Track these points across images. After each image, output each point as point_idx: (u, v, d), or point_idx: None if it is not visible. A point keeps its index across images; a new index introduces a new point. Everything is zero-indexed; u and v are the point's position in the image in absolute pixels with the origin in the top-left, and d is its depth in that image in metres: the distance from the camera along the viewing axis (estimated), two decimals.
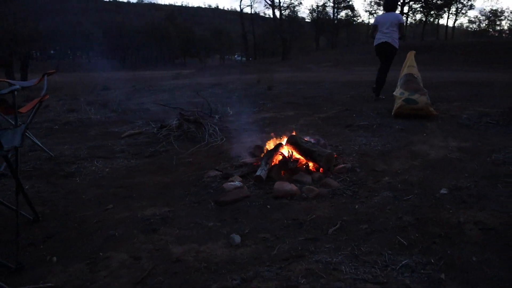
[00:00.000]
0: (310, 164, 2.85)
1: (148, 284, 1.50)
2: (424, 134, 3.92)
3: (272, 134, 3.34)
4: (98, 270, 1.62)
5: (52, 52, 52.99)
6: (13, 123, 3.68)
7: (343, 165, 2.88)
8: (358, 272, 1.45)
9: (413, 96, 4.77)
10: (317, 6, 35.51)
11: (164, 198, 2.49)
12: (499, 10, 43.29)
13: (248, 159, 3.12)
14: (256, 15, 42.95)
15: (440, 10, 31.62)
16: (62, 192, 2.69)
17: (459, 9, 32.63)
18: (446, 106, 5.59)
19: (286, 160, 2.82)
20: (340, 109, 5.90)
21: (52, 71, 3.94)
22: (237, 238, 1.83)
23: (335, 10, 34.46)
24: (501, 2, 73.00)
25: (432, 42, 29.66)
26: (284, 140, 3.06)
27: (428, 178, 2.58)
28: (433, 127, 4.25)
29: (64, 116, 6.24)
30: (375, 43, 6.42)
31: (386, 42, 6.14)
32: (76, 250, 1.82)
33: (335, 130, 4.36)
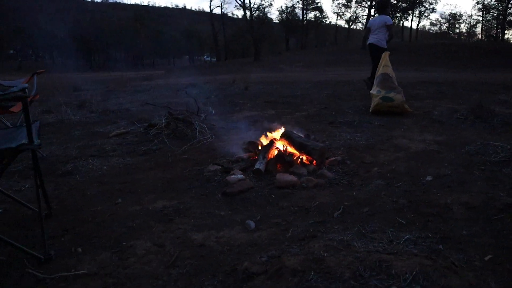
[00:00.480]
0: (304, 157, 3.04)
1: (179, 266, 1.62)
2: (402, 130, 4.21)
3: (265, 130, 3.49)
4: (127, 258, 1.72)
5: (11, 52, 50.49)
6: (6, 123, 3.63)
7: (334, 158, 3.09)
8: (369, 247, 1.63)
9: (389, 94, 5.08)
10: (286, 8, 36.30)
11: (170, 192, 2.59)
12: (458, 14, 45.84)
13: (244, 154, 3.27)
14: (224, 16, 43.05)
15: (405, 12, 33.10)
16: (65, 189, 2.72)
17: (422, 12, 34.34)
18: (418, 103, 5.98)
19: (282, 154, 2.98)
20: (319, 108, 6.15)
21: (42, 70, 3.92)
22: (252, 224, 1.98)
23: (304, 11, 35.34)
24: (460, 7, 77.81)
25: (397, 43, 31.01)
26: (277, 135, 3.23)
27: (413, 168, 2.83)
28: (409, 123, 4.56)
29: (42, 117, 6.11)
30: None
31: (371, 43, 6.54)
32: (98, 241, 1.90)
33: (319, 127, 4.58)
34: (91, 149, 3.88)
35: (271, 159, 2.95)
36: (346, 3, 35.29)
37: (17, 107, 3.40)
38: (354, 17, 35.79)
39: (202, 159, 3.34)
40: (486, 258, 1.54)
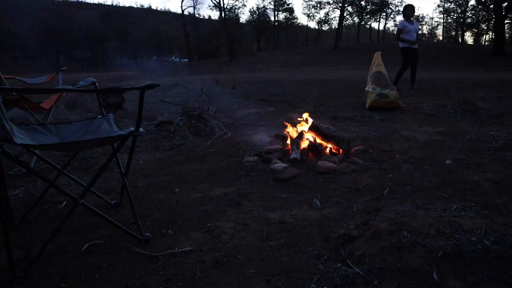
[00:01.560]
0: (332, 147, 3.32)
1: (274, 239, 1.84)
2: (402, 123, 4.60)
3: (286, 123, 3.74)
4: (219, 235, 1.91)
5: None
6: (37, 119, 3.63)
7: (357, 148, 3.39)
8: (430, 214, 1.93)
9: (384, 91, 5.49)
10: (258, 8, 36.81)
11: (220, 181, 2.78)
12: (420, 16, 48.38)
13: (273, 146, 3.50)
14: (191, 16, 42.82)
15: (374, 14, 34.63)
16: (114, 182, 2.84)
17: (389, 14, 36.09)
18: (405, 100, 6.44)
19: (313, 144, 3.25)
20: (315, 105, 6.49)
21: (65, 67, 3.97)
22: (318, 203, 2.23)
23: (276, 12, 36.03)
24: (422, 9, 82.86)
25: (367, 44, 32.36)
26: (305, 127, 3.49)
27: (429, 154, 3.19)
28: (406, 117, 4.98)
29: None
30: None
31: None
32: (182, 224, 2.07)
33: (325, 122, 4.89)
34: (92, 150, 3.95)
35: (304, 149, 3.21)
36: (315, 5, 36.39)
37: (47, 103, 3.44)
38: (326, 18, 36.96)
39: (231, 152, 3.53)
40: None
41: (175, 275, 1.56)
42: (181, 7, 37.63)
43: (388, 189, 2.41)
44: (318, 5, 34.78)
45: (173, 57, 50.22)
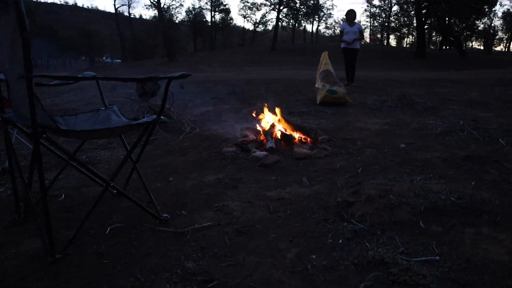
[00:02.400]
0: (301, 137, 3.67)
1: (280, 211, 2.10)
2: (353, 116, 5.13)
3: (259, 116, 4.02)
4: (231, 212, 2.12)
5: None
6: None
7: (323, 137, 3.78)
8: (403, 184, 2.33)
9: (333, 87, 6.02)
10: (194, 8, 36.57)
11: (208, 169, 2.97)
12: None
13: (247, 138, 3.75)
14: (122, 15, 41.19)
15: (309, 17, 36.43)
16: (109, 173, 2.88)
17: (321, 17, 38.20)
18: (348, 96, 7.08)
19: (286, 134, 3.57)
20: (268, 102, 6.85)
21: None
22: (306, 181, 2.54)
23: (212, 13, 36.12)
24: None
25: (301, 45, 33.90)
26: (275, 120, 3.80)
27: (384, 140, 3.68)
28: (354, 111, 5.53)
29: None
30: None
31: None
32: (191, 205, 2.24)
33: (283, 117, 5.25)
34: (86, 143, 3.91)
35: (277, 139, 3.52)
36: (250, 6, 37.25)
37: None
38: (263, 20, 38.05)
39: (207, 145, 3.72)
40: (472, 183, 2.37)
41: (208, 244, 1.75)
42: (114, 5, 35.97)
43: (360, 168, 2.81)
44: (254, 7, 35.79)
45: (104, 58, 47.79)
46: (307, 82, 10.14)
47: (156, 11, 32.82)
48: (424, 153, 3.11)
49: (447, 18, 27.05)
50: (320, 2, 34.43)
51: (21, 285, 1.48)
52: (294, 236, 1.79)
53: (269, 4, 32.52)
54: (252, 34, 41.60)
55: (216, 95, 8.14)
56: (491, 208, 1.94)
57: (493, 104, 5.64)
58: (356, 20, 8.47)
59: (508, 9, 40.25)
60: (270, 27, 40.85)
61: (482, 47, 47.98)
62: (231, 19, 40.80)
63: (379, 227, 1.78)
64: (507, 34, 43.90)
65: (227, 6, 37.71)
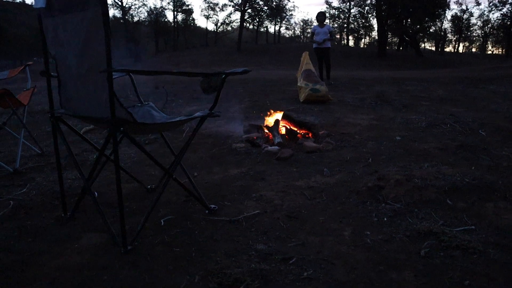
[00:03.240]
0: (303, 132, 3.88)
1: (318, 198, 2.29)
2: (339, 113, 5.43)
3: (262, 114, 4.19)
4: (271, 201, 2.28)
5: None
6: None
7: (323, 132, 4.02)
8: (416, 170, 2.61)
9: (316, 86, 6.31)
10: (155, 8, 35.72)
11: (227, 164, 3.09)
12: (309, 20, 53.35)
13: (252, 134, 3.90)
14: None
15: (272, 18, 37.03)
16: (124, 174, 2.91)
17: (283, 18, 38.92)
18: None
19: (290, 130, 3.77)
20: (251, 100, 7.02)
21: (30, 62, 3.75)
22: (328, 171, 2.74)
23: (175, 13, 35.51)
24: (311, 14, 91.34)
25: (265, 46, 34.39)
26: (279, 116, 3.99)
27: (379, 134, 3.99)
28: (338, 108, 5.84)
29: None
30: None
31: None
32: (230, 197, 2.36)
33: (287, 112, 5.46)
34: (85, 143, 3.87)
35: (283, 134, 3.70)
36: (212, 7, 37.18)
37: (24, 99, 3.25)
38: (227, 20, 38.02)
39: (213, 142, 3.82)
40: (473, 168, 2.70)
41: (266, 229, 1.90)
42: None
43: (370, 159, 3.06)
44: (217, 7, 35.80)
45: None
46: (281, 81, 10.43)
47: (115, 11, 31.90)
48: (421, 144, 3.43)
49: (404, 21, 28.74)
50: (283, 4, 35.29)
51: (105, 275, 1.55)
52: (341, 218, 1.99)
53: (233, 4, 32.70)
54: (215, 35, 41.53)
55: (196, 95, 8.19)
56: (498, 187, 2.25)
57: (461, 101, 6.20)
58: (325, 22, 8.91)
59: (456, 13, 43.40)
60: (230, 28, 41.06)
61: (433, 48, 51.39)
62: (194, 19, 40.62)
63: (414, 206, 2.02)
64: (455, 36, 47.36)
65: (189, 7, 37.39)
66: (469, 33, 47.21)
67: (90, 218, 2.09)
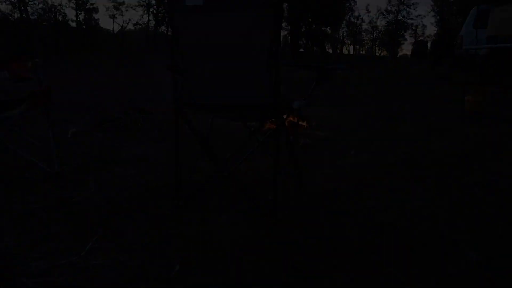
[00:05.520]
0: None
1: (347, 181, 2.78)
2: (309, 109, 6.05)
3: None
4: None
5: None
6: None
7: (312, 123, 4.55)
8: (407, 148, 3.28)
9: None
10: (53, 5, 32.17)
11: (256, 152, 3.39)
12: None
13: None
14: None
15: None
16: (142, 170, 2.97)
17: None
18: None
19: (294, 121, 4.22)
20: None
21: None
22: (353, 152, 3.27)
23: (77, 12, 32.49)
24: None
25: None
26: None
27: (357, 124, 4.67)
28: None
29: None
30: None
31: None
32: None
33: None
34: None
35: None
36: (117, 6, 35.12)
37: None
38: (141, 20, 36.19)
39: (226, 134, 4.04)
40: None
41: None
42: None
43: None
44: (124, 7, 33.99)
45: None
46: None
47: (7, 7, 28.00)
48: (402, 126, 4.23)
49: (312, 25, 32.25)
50: None
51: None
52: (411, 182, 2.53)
53: (144, 4, 31.49)
54: (122, 36, 39.37)
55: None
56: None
57: (396, 98, 7.37)
58: None
59: (350, 19, 49.52)
60: (132, 27, 39.40)
61: (330, 51, 56.82)
62: (98, 19, 37.81)
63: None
64: (350, 40, 53.57)
65: (94, 5, 34.76)
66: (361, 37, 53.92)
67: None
